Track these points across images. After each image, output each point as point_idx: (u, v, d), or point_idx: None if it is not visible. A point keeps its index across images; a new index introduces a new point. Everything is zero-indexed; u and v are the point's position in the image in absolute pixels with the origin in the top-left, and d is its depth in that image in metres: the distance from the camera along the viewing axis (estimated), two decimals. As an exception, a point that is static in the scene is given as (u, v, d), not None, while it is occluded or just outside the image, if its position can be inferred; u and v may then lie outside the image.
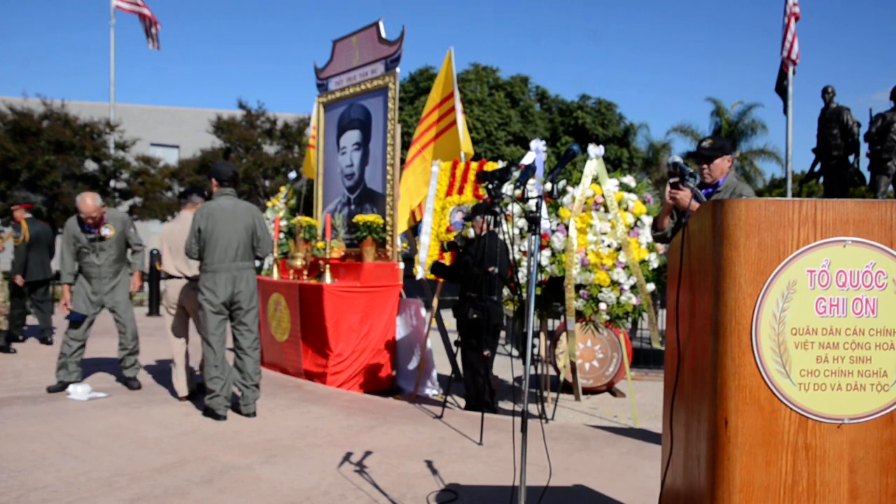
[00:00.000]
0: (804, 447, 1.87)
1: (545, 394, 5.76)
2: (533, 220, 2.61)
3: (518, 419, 2.64)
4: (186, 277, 5.32)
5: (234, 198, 4.76)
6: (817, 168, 9.80)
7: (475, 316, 4.79)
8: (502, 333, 9.76)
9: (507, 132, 27.51)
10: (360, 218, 6.57)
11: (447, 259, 5.66)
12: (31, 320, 8.58)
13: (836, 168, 9.43)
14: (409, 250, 7.09)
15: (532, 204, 2.65)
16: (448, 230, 5.80)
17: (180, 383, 5.29)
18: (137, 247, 5.66)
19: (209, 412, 4.68)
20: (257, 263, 4.93)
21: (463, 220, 5.62)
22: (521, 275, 5.22)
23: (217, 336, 4.61)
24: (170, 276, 5.38)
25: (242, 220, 4.66)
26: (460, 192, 5.83)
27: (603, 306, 5.05)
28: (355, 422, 4.68)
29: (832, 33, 59.17)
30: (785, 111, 12.44)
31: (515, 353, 8.46)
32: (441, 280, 5.74)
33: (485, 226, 5.07)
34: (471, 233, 5.29)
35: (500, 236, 4.88)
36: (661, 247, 5.08)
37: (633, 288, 5.03)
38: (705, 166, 3.64)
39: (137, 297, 13.72)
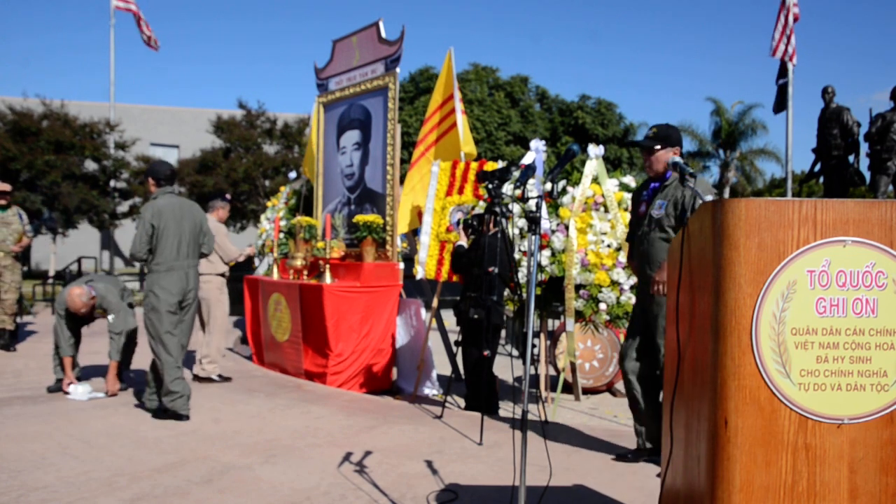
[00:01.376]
0: (804, 447, 1.87)
1: (545, 394, 5.75)
2: (533, 220, 2.61)
3: (518, 419, 2.64)
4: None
5: (177, 196, 4.74)
6: (817, 168, 9.78)
7: (476, 316, 4.78)
8: (502, 333, 9.76)
9: (507, 132, 27.51)
10: (360, 218, 6.57)
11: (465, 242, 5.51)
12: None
13: (836, 168, 9.42)
14: (409, 250, 7.09)
15: (532, 204, 2.65)
16: (448, 230, 5.80)
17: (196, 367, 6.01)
18: (115, 335, 5.25)
19: (170, 413, 4.55)
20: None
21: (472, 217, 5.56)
22: (521, 275, 5.22)
23: (175, 335, 4.56)
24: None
25: (190, 218, 4.65)
26: (460, 192, 5.83)
27: (603, 306, 5.05)
28: (355, 422, 4.68)
29: (832, 33, 59.23)
30: (775, 110, 12.40)
31: (515, 353, 8.45)
32: (442, 278, 5.74)
33: (492, 226, 5.09)
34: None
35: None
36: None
37: (633, 288, 5.03)
38: (648, 158, 3.49)
39: (136, 298, 13.73)
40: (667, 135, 3.45)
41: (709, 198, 2.98)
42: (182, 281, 4.57)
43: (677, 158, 2.76)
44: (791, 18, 11.57)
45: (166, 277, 4.51)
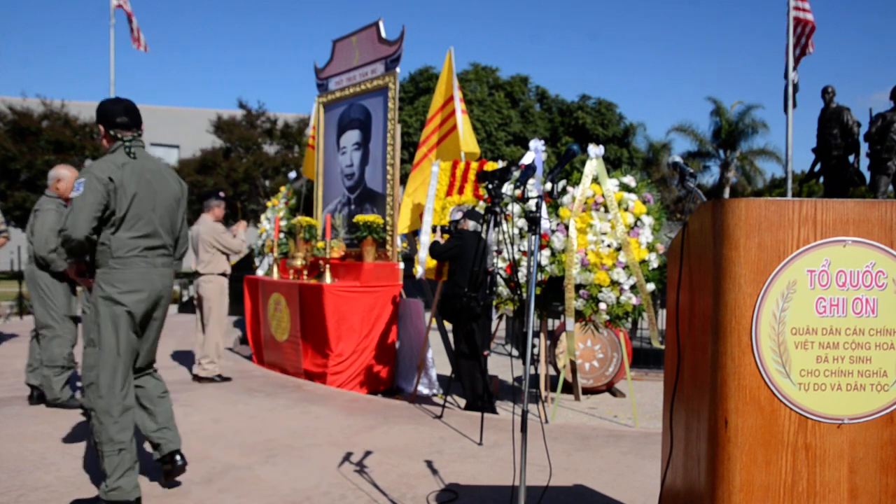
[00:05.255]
0: (804, 447, 1.87)
1: (545, 394, 5.75)
2: (533, 220, 2.61)
3: (518, 419, 2.64)
4: (197, 273, 6.07)
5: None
6: (817, 168, 9.79)
7: (471, 304, 4.79)
8: (501, 333, 9.77)
9: (507, 132, 27.52)
10: (360, 218, 6.57)
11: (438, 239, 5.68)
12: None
13: (836, 168, 9.42)
14: (409, 250, 7.09)
15: (532, 204, 2.65)
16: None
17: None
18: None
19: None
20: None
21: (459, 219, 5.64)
22: (521, 275, 5.22)
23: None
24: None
25: None
26: (460, 192, 5.83)
27: (603, 306, 5.04)
28: (355, 422, 4.68)
29: (832, 34, 59.21)
30: (785, 109, 12.37)
31: (515, 353, 8.45)
32: (442, 278, 5.74)
33: (470, 226, 5.26)
34: (469, 225, 5.32)
35: (500, 236, 4.90)
36: (661, 247, 5.08)
37: (633, 288, 5.03)
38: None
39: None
40: (98, 110, 3.07)
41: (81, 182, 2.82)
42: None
43: (677, 158, 2.74)
44: (807, 28, 11.44)
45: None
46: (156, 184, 3.05)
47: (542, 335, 5.78)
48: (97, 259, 2.98)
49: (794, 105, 12.12)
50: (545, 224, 5.24)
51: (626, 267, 5.02)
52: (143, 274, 2.99)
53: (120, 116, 3.04)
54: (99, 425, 2.90)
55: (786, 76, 11.96)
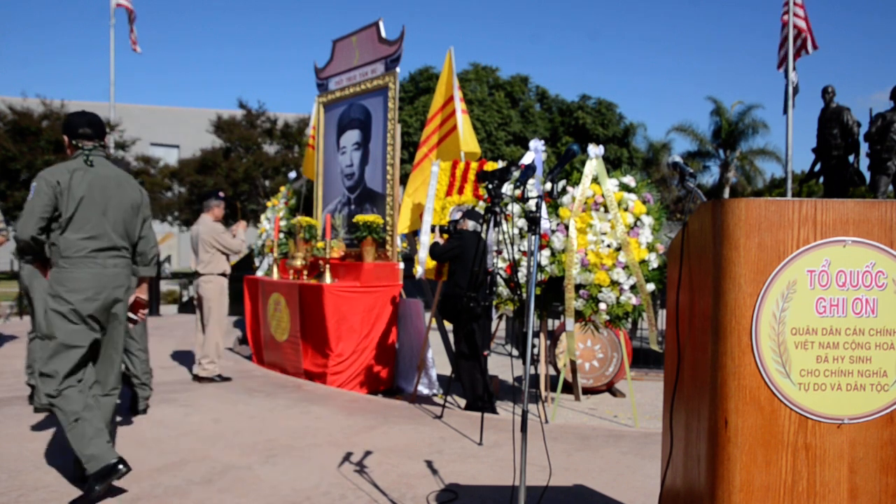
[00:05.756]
0: (804, 447, 1.87)
1: (545, 394, 5.75)
2: (533, 220, 2.61)
3: (518, 419, 2.64)
4: (197, 273, 6.06)
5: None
6: (817, 168, 9.79)
7: (472, 305, 4.79)
8: (501, 333, 9.77)
9: (507, 132, 27.53)
10: (360, 218, 6.57)
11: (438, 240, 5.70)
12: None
13: (836, 168, 9.41)
14: (409, 250, 7.09)
15: (532, 204, 2.65)
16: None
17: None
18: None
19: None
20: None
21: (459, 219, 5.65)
22: (521, 275, 5.22)
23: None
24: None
25: None
26: (460, 192, 5.83)
27: (603, 306, 5.04)
28: (355, 422, 4.68)
29: (832, 33, 59.23)
30: (784, 110, 12.40)
31: (515, 353, 8.46)
32: (442, 278, 5.74)
33: (470, 226, 5.26)
34: (469, 225, 5.33)
35: (500, 236, 4.90)
36: (661, 247, 5.08)
37: (632, 288, 5.03)
38: None
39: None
40: (63, 124, 3.40)
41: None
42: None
43: (677, 158, 2.73)
44: (808, 43, 11.45)
45: None
46: (110, 190, 3.19)
47: (542, 335, 5.78)
48: (51, 258, 3.12)
49: (794, 105, 12.14)
50: (545, 224, 5.24)
51: (626, 267, 5.02)
52: (94, 275, 3.10)
53: (82, 128, 3.26)
54: (53, 408, 3.01)
55: (786, 76, 11.98)
